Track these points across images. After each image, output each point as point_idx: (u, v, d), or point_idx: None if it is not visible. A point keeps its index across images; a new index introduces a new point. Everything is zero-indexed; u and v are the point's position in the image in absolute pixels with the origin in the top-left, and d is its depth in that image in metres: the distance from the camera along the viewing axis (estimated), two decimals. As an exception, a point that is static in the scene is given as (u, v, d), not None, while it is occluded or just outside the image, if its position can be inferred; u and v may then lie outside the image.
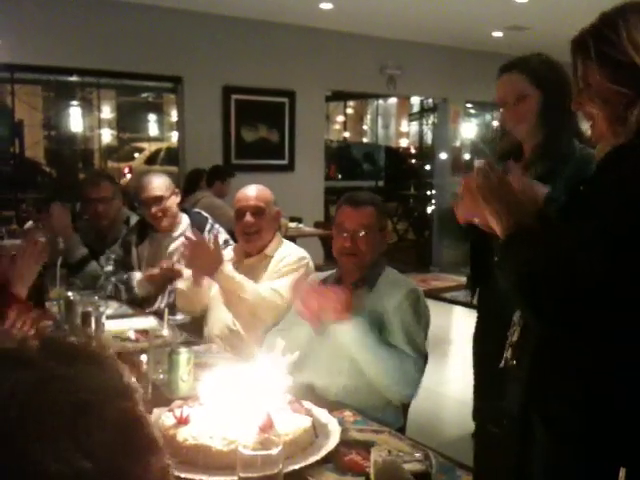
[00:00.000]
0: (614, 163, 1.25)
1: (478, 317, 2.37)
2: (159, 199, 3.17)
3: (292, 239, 3.46)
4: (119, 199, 3.69)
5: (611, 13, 1.29)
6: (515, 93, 2.10)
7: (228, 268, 2.56)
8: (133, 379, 0.60)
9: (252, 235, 2.68)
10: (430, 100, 8.93)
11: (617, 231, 1.16)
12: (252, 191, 2.72)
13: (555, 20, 5.85)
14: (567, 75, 2.04)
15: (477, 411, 2.36)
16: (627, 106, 1.24)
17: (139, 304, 3.17)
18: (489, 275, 2.04)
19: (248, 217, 2.65)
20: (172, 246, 3.22)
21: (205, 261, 2.57)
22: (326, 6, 6.15)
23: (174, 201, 3.23)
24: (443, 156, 8.58)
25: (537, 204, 1.46)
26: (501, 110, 2.20)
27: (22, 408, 0.51)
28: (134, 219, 3.59)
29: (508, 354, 1.50)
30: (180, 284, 2.86)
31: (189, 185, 5.95)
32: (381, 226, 2.25)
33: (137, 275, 3.22)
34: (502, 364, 1.51)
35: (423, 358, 2.12)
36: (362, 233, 2.18)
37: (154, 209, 3.18)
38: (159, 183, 3.20)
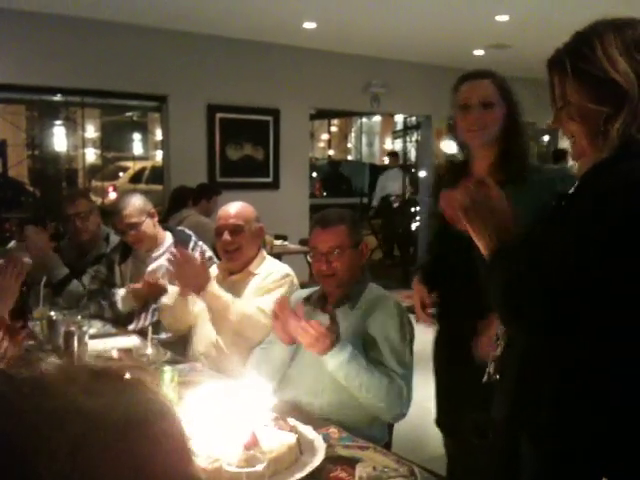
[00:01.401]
0: (598, 177, 1.26)
1: (440, 322, 2.30)
2: (133, 226, 3.14)
3: (277, 256, 3.46)
4: (96, 215, 3.67)
5: (585, 31, 1.31)
6: (484, 98, 2.07)
7: (215, 287, 2.56)
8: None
9: (232, 253, 2.67)
10: (413, 118, 8.99)
11: (602, 238, 1.18)
12: (232, 209, 2.71)
13: (536, 39, 5.92)
14: (519, 98, 2.07)
15: (441, 418, 2.29)
16: (606, 120, 1.26)
17: (122, 323, 3.15)
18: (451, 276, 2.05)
19: (226, 235, 2.65)
20: (155, 264, 3.20)
21: (192, 277, 2.57)
22: (310, 25, 6.21)
23: (150, 223, 3.19)
24: (426, 173, 8.63)
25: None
26: (456, 117, 2.16)
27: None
28: (113, 236, 3.58)
29: (491, 369, 1.50)
30: (165, 299, 2.84)
31: (174, 203, 5.92)
32: (355, 242, 2.23)
33: (120, 291, 3.19)
34: (485, 379, 1.51)
35: (411, 374, 2.11)
36: (335, 253, 2.18)
37: (130, 236, 3.17)
38: (131, 210, 3.15)
